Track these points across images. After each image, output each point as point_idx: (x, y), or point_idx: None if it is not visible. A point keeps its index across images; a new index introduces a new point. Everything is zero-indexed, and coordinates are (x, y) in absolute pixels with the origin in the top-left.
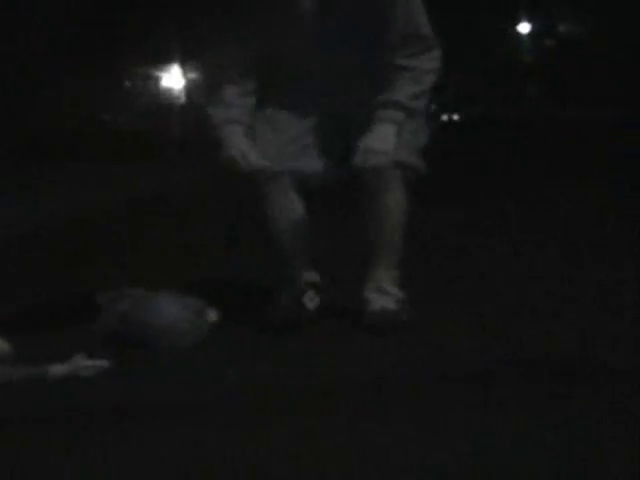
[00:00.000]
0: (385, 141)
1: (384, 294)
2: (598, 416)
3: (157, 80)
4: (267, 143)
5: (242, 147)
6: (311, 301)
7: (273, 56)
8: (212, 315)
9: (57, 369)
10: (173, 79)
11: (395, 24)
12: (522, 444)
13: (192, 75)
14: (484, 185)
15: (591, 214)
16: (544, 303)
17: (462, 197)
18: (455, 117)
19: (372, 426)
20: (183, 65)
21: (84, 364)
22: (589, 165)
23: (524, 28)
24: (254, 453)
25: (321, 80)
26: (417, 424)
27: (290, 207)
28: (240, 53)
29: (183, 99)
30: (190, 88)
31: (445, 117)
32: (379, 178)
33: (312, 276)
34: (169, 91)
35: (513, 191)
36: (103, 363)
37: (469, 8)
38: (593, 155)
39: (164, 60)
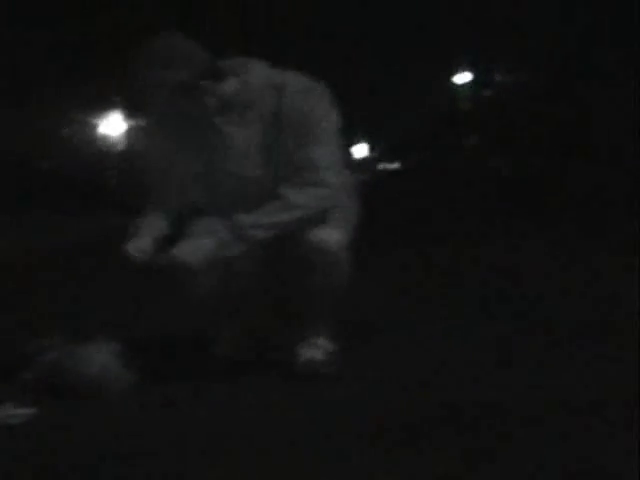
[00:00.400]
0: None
1: (313, 345)
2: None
3: (95, 127)
4: None
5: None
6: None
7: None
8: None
9: None
10: (111, 126)
11: (283, 149)
12: None
13: (132, 122)
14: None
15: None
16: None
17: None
18: (393, 166)
19: None
20: (123, 112)
21: (12, 412)
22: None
23: (462, 78)
24: None
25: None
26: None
27: None
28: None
29: (121, 146)
30: (129, 136)
31: (381, 166)
32: None
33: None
34: (107, 138)
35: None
36: (31, 411)
37: (408, 56)
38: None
39: (103, 106)
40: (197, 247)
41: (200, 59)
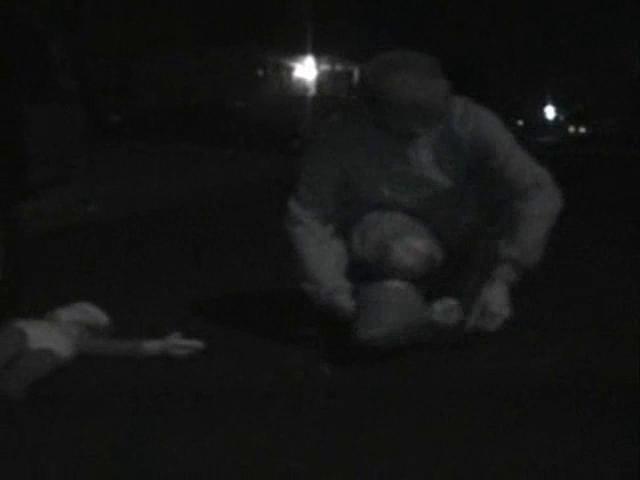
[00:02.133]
0: (501, 305)
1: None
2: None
3: (289, 70)
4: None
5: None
6: None
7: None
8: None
9: (151, 346)
10: (306, 70)
11: (501, 169)
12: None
13: (325, 67)
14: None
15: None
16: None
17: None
18: (582, 130)
19: (371, 435)
20: (316, 57)
21: (179, 343)
22: None
23: None
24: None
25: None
26: (416, 433)
27: None
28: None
29: (314, 91)
30: (322, 80)
31: (572, 129)
32: None
33: None
34: (301, 82)
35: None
36: (197, 344)
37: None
38: None
39: (297, 51)
40: None
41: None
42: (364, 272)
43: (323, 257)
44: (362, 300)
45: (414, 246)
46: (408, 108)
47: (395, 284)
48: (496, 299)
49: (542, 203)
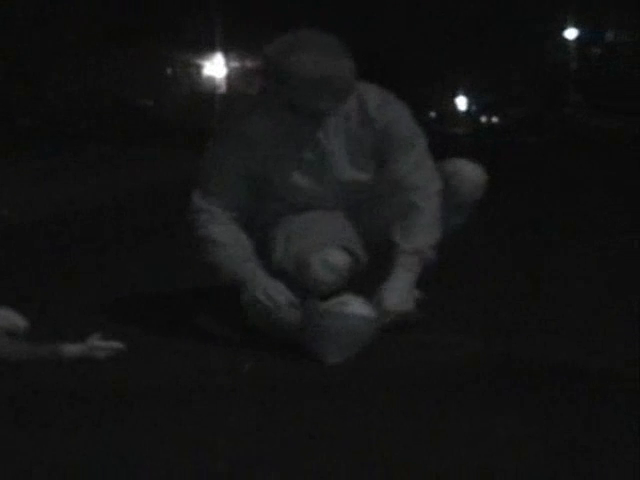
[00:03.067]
0: (406, 298)
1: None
2: (600, 420)
3: (199, 68)
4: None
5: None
6: None
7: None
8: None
9: (71, 348)
10: (215, 68)
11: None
12: (522, 447)
13: (234, 64)
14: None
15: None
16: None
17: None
18: (494, 120)
19: (374, 423)
20: (226, 54)
21: (99, 345)
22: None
23: (571, 34)
24: (257, 441)
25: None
26: (417, 423)
27: None
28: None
29: (224, 88)
30: (232, 77)
31: (484, 119)
32: None
33: None
34: (211, 80)
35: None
36: (117, 345)
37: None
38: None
39: (206, 48)
40: None
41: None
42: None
43: (239, 249)
44: (317, 326)
45: (334, 262)
46: (316, 84)
47: (351, 311)
48: (400, 291)
49: (429, 197)
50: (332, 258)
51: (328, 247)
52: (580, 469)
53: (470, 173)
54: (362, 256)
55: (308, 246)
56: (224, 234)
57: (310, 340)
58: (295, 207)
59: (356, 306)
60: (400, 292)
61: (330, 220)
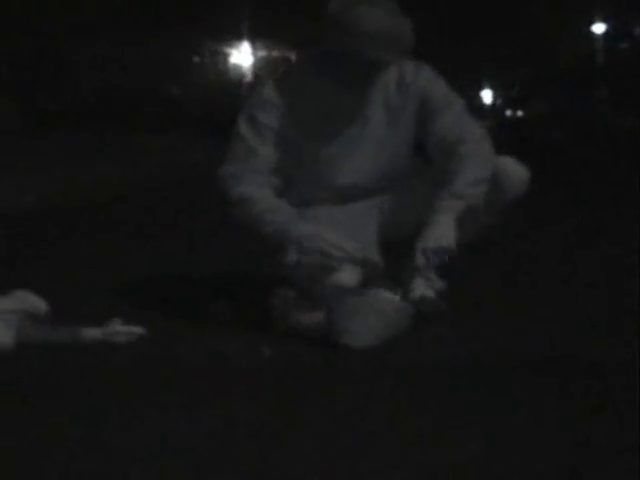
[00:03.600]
0: (447, 235)
1: (427, 281)
2: (624, 417)
3: (226, 56)
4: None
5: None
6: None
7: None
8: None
9: (91, 333)
10: (242, 56)
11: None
12: (531, 443)
13: (261, 53)
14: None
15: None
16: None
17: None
18: (519, 114)
19: (382, 415)
20: (253, 42)
21: (118, 329)
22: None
23: (599, 28)
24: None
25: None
26: (426, 416)
27: None
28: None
29: (250, 77)
30: (258, 66)
31: (509, 113)
32: None
33: None
34: (237, 68)
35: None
36: (137, 330)
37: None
38: None
39: (234, 37)
40: None
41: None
42: None
43: (266, 192)
44: (343, 308)
45: (344, 282)
46: (381, 35)
47: (378, 294)
48: (440, 232)
49: (478, 143)
50: (344, 280)
51: (339, 267)
52: (591, 465)
53: (515, 172)
54: (377, 263)
55: (319, 262)
56: (259, 191)
57: (337, 323)
58: (322, 190)
59: (386, 294)
60: (441, 229)
61: (350, 222)
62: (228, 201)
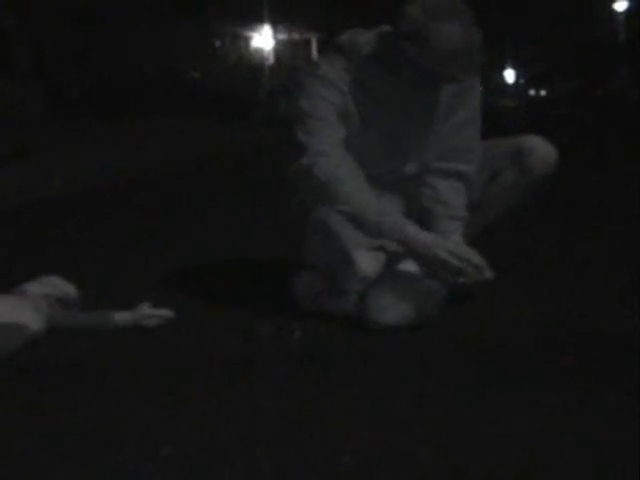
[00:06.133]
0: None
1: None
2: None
3: (247, 40)
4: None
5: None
6: None
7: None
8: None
9: (122, 317)
10: (263, 40)
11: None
12: (540, 425)
13: (282, 36)
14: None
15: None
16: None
17: None
18: (542, 93)
19: (411, 392)
20: (274, 26)
21: (149, 313)
22: None
23: (620, 6)
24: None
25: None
26: (456, 391)
27: None
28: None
29: (271, 60)
30: (280, 49)
31: (532, 92)
32: None
33: None
34: (259, 51)
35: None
36: (167, 313)
37: None
38: None
39: (254, 20)
40: None
41: None
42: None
43: (355, 175)
44: (374, 284)
45: (363, 273)
46: (458, 55)
47: (408, 268)
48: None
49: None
50: (360, 269)
51: (358, 253)
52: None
53: (545, 153)
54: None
55: (340, 249)
56: (347, 171)
57: (371, 299)
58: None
59: (422, 274)
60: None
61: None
62: (313, 183)
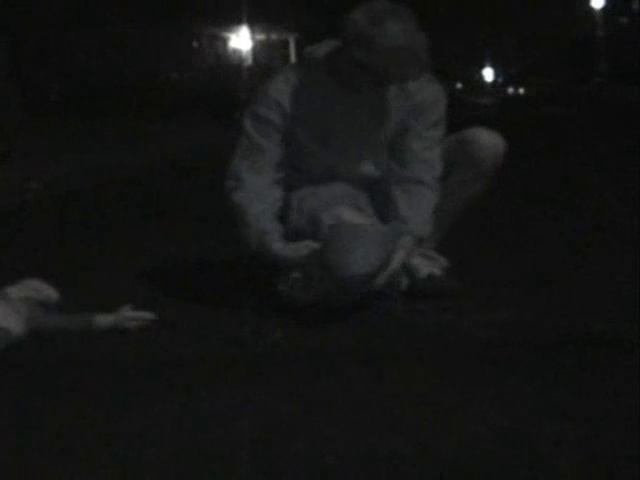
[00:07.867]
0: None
1: (430, 260)
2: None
3: (225, 41)
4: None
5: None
6: None
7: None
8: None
9: (103, 319)
10: (241, 41)
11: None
12: (549, 414)
13: (260, 37)
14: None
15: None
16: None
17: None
18: (521, 91)
19: (402, 392)
20: (251, 26)
21: (130, 315)
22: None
23: (598, 3)
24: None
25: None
26: (446, 390)
27: None
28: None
29: (249, 61)
30: (257, 50)
31: (511, 90)
32: None
33: None
34: (237, 52)
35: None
36: (148, 315)
37: None
38: None
39: (232, 21)
40: None
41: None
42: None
43: (258, 202)
44: (333, 240)
45: (343, 217)
46: (401, 53)
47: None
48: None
49: (434, 178)
50: (342, 214)
51: (339, 205)
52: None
53: (489, 141)
54: (375, 221)
55: (320, 205)
56: (253, 205)
57: (332, 256)
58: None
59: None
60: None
61: (343, 186)
62: (227, 202)
